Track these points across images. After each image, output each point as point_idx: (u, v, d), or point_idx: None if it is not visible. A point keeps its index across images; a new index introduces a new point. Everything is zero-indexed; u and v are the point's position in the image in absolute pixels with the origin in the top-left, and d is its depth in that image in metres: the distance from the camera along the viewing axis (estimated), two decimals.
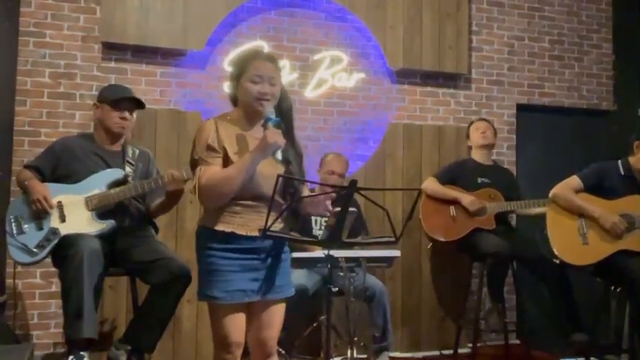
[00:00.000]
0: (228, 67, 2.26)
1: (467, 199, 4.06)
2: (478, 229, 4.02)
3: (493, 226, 4.04)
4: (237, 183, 2.21)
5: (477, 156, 4.30)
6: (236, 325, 2.29)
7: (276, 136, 2.20)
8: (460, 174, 4.21)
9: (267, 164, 2.27)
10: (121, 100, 3.16)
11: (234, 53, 4.16)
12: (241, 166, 2.21)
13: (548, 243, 3.56)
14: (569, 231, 3.57)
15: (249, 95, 2.29)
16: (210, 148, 2.26)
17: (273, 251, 2.34)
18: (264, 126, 2.26)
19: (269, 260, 2.32)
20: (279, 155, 2.22)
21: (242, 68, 2.32)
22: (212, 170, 2.24)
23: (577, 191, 3.62)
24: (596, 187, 3.62)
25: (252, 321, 2.36)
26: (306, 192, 2.46)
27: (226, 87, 2.43)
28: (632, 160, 3.63)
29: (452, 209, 4.12)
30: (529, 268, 3.97)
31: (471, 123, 4.41)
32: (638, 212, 3.51)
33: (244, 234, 2.26)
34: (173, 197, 3.13)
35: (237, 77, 2.33)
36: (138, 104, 3.25)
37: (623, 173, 3.62)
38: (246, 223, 2.27)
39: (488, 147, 4.31)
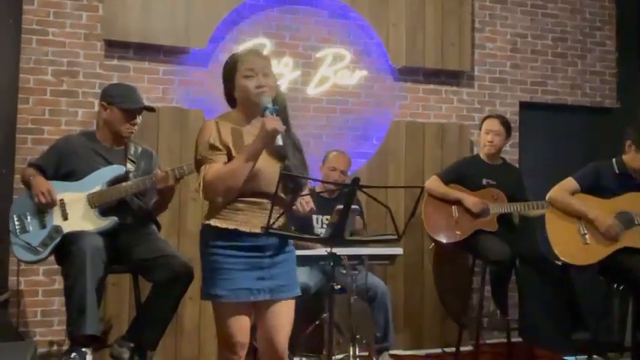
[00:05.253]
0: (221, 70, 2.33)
1: (470, 200, 3.99)
2: (480, 231, 3.99)
3: (495, 227, 3.96)
4: (243, 175, 2.20)
5: (485, 155, 4.16)
6: (241, 325, 2.28)
7: (275, 123, 2.19)
8: (465, 174, 4.12)
9: (267, 161, 2.27)
10: (136, 110, 3.16)
11: (236, 50, 4.16)
12: (244, 156, 2.21)
13: (550, 244, 3.55)
14: (569, 232, 3.56)
15: (247, 90, 2.29)
16: (212, 147, 2.26)
17: (279, 249, 2.33)
18: (262, 115, 2.25)
19: (274, 258, 2.31)
20: (279, 140, 2.20)
21: (234, 68, 2.33)
22: (217, 166, 2.24)
23: (573, 193, 3.61)
24: (593, 187, 3.61)
25: (261, 323, 2.33)
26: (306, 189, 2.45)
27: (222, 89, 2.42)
28: (626, 158, 3.63)
29: (454, 210, 4.05)
30: (531, 266, 3.94)
31: (485, 118, 4.21)
32: (636, 209, 3.50)
33: (247, 231, 2.26)
34: (164, 195, 3.16)
35: (231, 78, 2.34)
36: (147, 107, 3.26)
37: (617, 172, 3.62)
38: (249, 220, 2.27)
39: (495, 153, 4.15)
